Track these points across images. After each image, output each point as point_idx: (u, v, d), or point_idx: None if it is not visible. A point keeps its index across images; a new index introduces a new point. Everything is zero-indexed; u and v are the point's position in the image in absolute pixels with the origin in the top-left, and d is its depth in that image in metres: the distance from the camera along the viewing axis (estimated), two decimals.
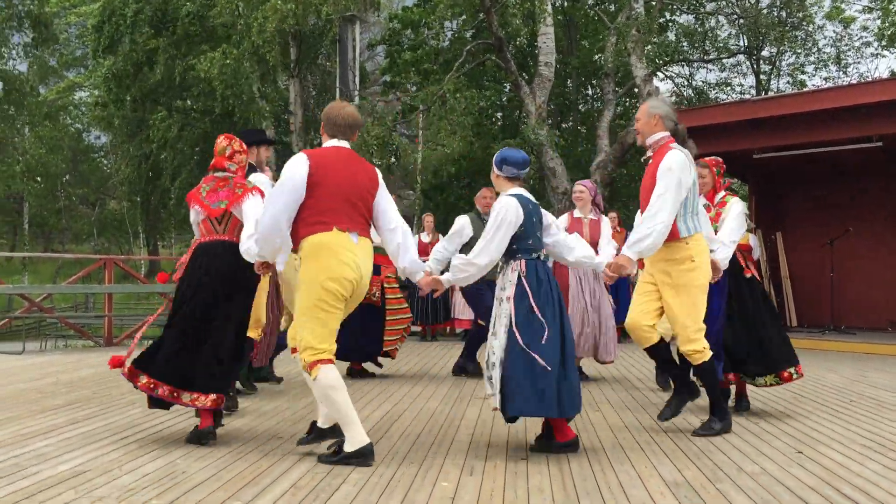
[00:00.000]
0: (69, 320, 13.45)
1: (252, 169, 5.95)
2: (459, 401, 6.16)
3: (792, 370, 5.63)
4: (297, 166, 4.17)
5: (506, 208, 4.42)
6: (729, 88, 22.40)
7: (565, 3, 20.42)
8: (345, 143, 4.37)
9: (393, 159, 15.15)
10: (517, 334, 4.30)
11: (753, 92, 21.45)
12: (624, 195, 19.27)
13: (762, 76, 21.55)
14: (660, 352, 5.05)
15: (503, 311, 4.41)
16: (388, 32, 20.27)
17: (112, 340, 11.21)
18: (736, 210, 5.58)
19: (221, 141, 5.12)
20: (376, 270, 7.19)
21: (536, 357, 4.23)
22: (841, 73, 21.30)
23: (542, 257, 4.55)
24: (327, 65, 21.61)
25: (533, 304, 4.35)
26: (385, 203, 4.39)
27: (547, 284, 4.43)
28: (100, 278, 13.28)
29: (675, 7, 19.06)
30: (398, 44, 19.62)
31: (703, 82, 22.83)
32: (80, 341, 13.91)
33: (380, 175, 4.43)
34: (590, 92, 22.59)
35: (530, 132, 14.30)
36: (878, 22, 21.61)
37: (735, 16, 18.89)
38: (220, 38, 19.05)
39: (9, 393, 6.38)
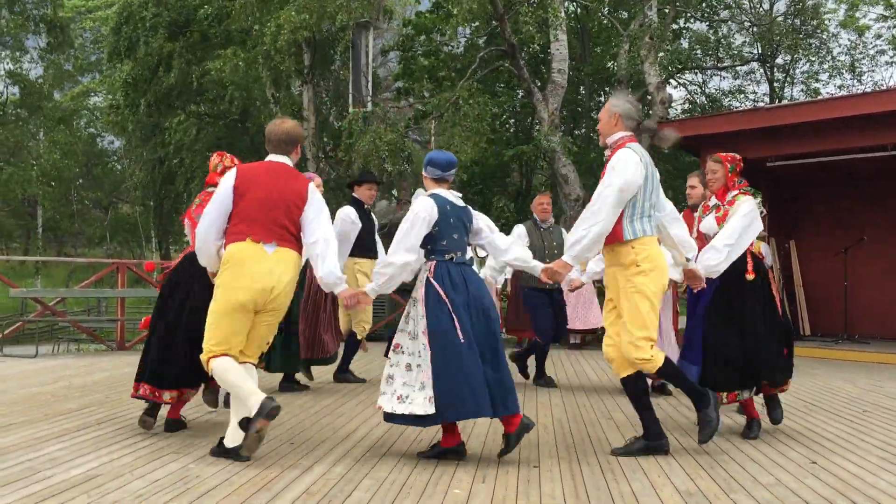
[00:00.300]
0: (82, 324, 13.51)
1: None
2: None
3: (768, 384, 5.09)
4: (226, 180, 4.47)
5: (419, 207, 4.47)
6: (742, 96, 22.34)
7: (578, 11, 20.42)
8: (282, 159, 4.58)
9: (405, 165, 15.17)
10: (442, 336, 4.30)
11: (767, 100, 21.38)
12: None
13: (776, 84, 21.48)
14: (635, 385, 4.63)
15: (418, 313, 4.44)
16: (401, 38, 20.32)
17: (124, 344, 11.25)
18: (743, 210, 5.05)
19: (214, 158, 5.40)
20: None
21: (458, 358, 4.26)
22: (855, 81, 21.22)
23: (454, 259, 4.49)
24: (341, 73, 21.69)
25: (448, 305, 4.34)
26: (311, 217, 4.48)
27: (462, 286, 4.42)
28: (112, 282, 13.32)
29: (688, 14, 19.03)
30: (411, 49, 19.66)
31: (716, 90, 22.79)
32: (93, 345, 13.97)
33: (312, 191, 4.54)
34: (602, 99, 22.56)
35: (543, 139, 14.29)
36: (894, 31, 21.53)
37: (748, 23, 18.85)
38: (234, 43, 19.15)
39: (22, 397, 6.41)
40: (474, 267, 6.32)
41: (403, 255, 4.43)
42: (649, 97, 15.51)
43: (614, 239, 4.50)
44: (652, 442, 4.58)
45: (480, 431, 5.19)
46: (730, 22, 19.35)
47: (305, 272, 6.80)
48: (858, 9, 22.59)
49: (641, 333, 4.45)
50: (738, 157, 5.36)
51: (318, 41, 19.39)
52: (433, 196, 4.55)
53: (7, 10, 25.94)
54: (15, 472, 3.90)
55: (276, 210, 4.37)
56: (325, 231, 4.47)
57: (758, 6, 20.31)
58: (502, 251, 4.81)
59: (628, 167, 4.42)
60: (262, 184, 4.40)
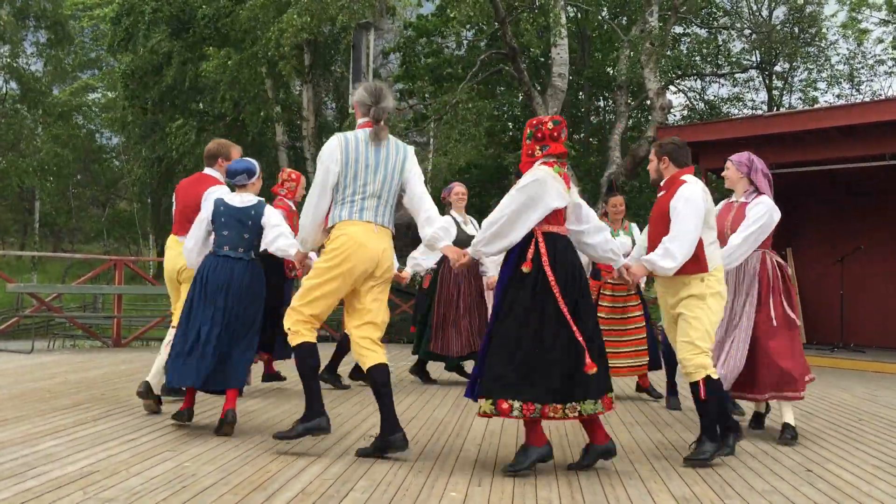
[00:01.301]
0: (78, 320, 13.49)
1: None
2: (468, 410, 6.15)
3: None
4: None
5: (202, 209, 5.27)
6: (741, 104, 22.38)
7: (579, 16, 20.46)
8: (206, 170, 5.83)
9: None
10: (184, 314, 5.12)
11: (765, 107, 21.43)
12: (635, 206, 19.25)
13: (774, 92, 21.52)
14: (375, 375, 4.38)
15: None
16: (402, 40, 20.34)
17: (120, 341, 11.23)
18: (518, 184, 4.22)
19: (281, 173, 6.99)
20: (596, 275, 7.09)
21: (183, 335, 5.00)
22: (854, 90, 21.27)
23: (218, 252, 5.10)
24: (340, 72, 21.67)
25: (195, 290, 5.06)
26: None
27: (212, 275, 5.03)
28: (109, 278, 13.31)
29: (689, 19, 19.05)
30: (413, 53, 19.68)
31: (714, 97, 22.81)
32: (88, 341, 13.94)
33: (207, 192, 5.39)
34: (601, 104, 22.60)
35: None
36: (890, 38, 21.59)
37: (748, 30, 18.89)
38: (230, 44, 19.12)
39: (18, 392, 6.39)
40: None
41: (189, 244, 5.24)
42: (649, 102, 15.54)
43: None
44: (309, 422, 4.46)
45: (476, 435, 5.20)
46: (730, 29, 19.39)
47: (441, 268, 7.53)
48: (860, 11, 22.63)
49: (296, 303, 4.47)
50: (543, 119, 4.40)
51: (319, 42, 19.39)
52: (215, 199, 5.22)
53: (8, 5, 25.91)
54: (10, 468, 3.89)
55: (188, 209, 5.62)
56: (193, 227, 5.35)
57: (756, 13, 20.36)
58: (268, 242, 5.17)
59: (329, 154, 4.43)
60: (184, 192, 5.82)
